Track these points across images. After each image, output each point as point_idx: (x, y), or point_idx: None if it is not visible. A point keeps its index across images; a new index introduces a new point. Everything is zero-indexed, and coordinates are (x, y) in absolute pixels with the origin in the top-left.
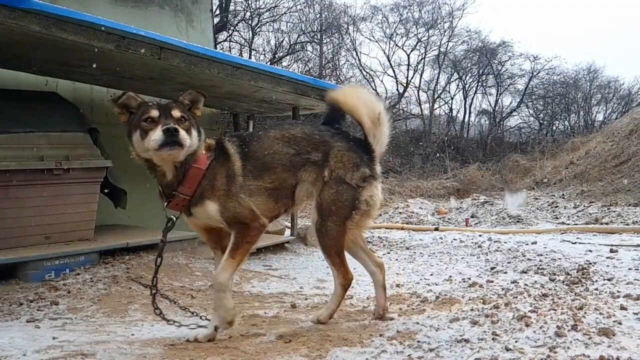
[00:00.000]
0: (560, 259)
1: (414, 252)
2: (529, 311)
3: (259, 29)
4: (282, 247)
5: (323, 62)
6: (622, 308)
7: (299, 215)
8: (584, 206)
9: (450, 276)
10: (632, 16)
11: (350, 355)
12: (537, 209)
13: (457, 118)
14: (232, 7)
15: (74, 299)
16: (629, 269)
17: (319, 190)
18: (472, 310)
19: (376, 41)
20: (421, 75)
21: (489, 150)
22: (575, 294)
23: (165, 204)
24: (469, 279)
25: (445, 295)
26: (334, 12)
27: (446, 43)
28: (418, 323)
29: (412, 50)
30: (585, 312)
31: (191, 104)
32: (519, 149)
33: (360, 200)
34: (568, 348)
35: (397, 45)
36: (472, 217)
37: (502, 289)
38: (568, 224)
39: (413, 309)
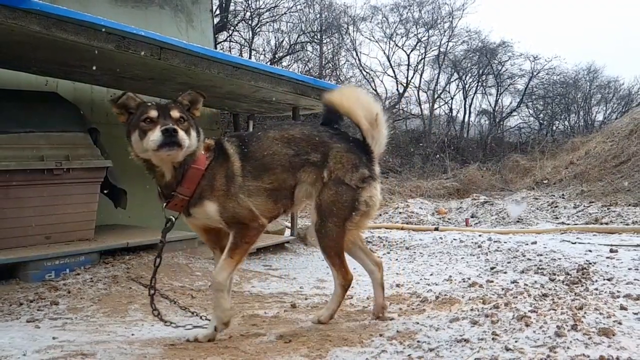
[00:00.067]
0: (560, 259)
1: (414, 252)
2: (528, 311)
3: (259, 29)
4: (282, 247)
5: (323, 62)
6: (622, 308)
7: (299, 215)
8: (584, 206)
9: (450, 276)
10: (632, 16)
11: (350, 355)
12: (537, 209)
13: (457, 118)
14: (232, 7)
15: (74, 299)
16: (629, 269)
17: (318, 191)
18: (472, 310)
19: (376, 41)
20: (421, 75)
21: (489, 150)
22: (575, 294)
23: (164, 204)
24: (469, 279)
25: (445, 295)
26: (334, 12)
27: (446, 43)
28: (418, 323)
29: (412, 50)
30: (585, 312)
31: (190, 104)
32: (519, 149)
33: (359, 201)
34: (568, 348)
35: (397, 45)
36: (472, 217)
37: (502, 289)
38: (568, 224)
39: (413, 309)
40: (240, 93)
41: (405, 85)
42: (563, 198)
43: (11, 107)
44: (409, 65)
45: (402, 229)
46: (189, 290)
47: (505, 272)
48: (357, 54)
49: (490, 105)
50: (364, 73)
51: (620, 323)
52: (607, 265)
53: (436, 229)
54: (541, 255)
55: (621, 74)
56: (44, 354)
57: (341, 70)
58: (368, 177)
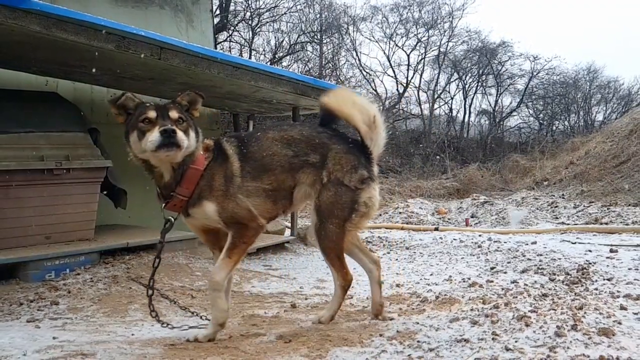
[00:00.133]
0: (560, 258)
1: (414, 252)
2: (528, 311)
3: (259, 29)
4: (282, 247)
5: (323, 62)
6: (622, 308)
7: (299, 215)
8: (584, 206)
9: (450, 276)
10: (632, 16)
11: (350, 355)
12: (537, 209)
13: (457, 118)
14: (232, 7)
15: (74, 299)
16: (629, 268)
17: (317, 192)
18: (472, 310)
19: (376, 41)
20: (421, 76)
21: (488, 150)
22: (575, 294)
23: (163, 205)
24: (469, 278)
25: (445, 295)
26: (334, 12)
27: (446, 43)
28: (418, 323)
29: (412, 51)
30: (585, 312)
31: (189, 104)
32: (518, 149)
33: (359, 202)
34: (568, 348)
35: (397, 45)
36: (472, 217)
37: (502, 289)
38: (568, 224)
39: (413, 308)
40: (240, 93)
41: (405, 85)
42: (563, 198)
43: (11, 107)
44: (409, 65)
45: (402, 229)
46: (189, 290)
47: (505, 272)
48: (357, 54)
49: (490, 105)
50: (364, 73)
51: (620, 323)
52: (607, 265)
53: (436, 229)
54: (541, 255)
55: (621, 74)
56: (44, 353)
57: (341, 70)
58: (367, 178)
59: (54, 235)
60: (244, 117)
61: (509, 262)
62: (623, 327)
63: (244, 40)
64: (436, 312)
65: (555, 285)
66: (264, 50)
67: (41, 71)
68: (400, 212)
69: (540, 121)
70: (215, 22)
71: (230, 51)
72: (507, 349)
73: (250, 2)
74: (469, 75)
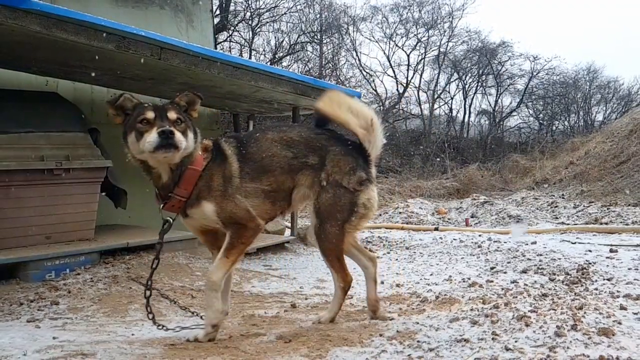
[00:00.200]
0: (560, 258)
1: (414, 252)
2: (528, 311)
3: (259, 29)
4: (282, 247)
5: (323, 62)
6: (622, 308)
7: (299, 215)
8: (584, 206)
9: (450, 276)
10: (632, 16)
11: (350, 355)
12: (537, 208)
13: (457, 118)
14: (232, 7)
15: (74, 299)
16: (629, 268)
17: (316, 194)
18: (472, 310)
19: (376, 41)
20: (421, 76)
21: (488, 151)
22: (575, 293)
23: (161, 205)
24: (469, 278)
25: (445, 295)
26: (334, 12)
27: (446, 43)
28: (418, 323)
29: (412, 51)
30: (584, 312)
31: (187, 105)
32: (518, 149)
33: (357, 204)
34: (568, 348)
35: (397, 45)
36: (472, 217)
37: (502, 289)
38: (568, 224)
39: (413, 308)
40: (240, 93)
41: (405, 85)
42: (563, 198)
43: (11, 107)
44: (409, 65)
45: (402, 229)
46: (189, 290)
47: (505, 272)
48: (357, 54)
49: (490, 105)
50: (364, 73)
51: (620, 323)
52: (607, 265)
53: (436, 229)
54: (541, 255)
55: (621, 74)
56: (44, 353)
57: (341, 71)
58: (365, 180)
59: (54, 235)
60: (244, 117)
61: (508, 262)
62: (623, 327)
63: (244, 40)
64: (436, 312)
65: (555, 285)
66: (264, 50)
67: (41, 71)
68: (400, 212)
69: (540, 121)
70: (215, 22)
71: (230, 51)
72: (507, 349)
73: (250, 2)
74: (469, 75)
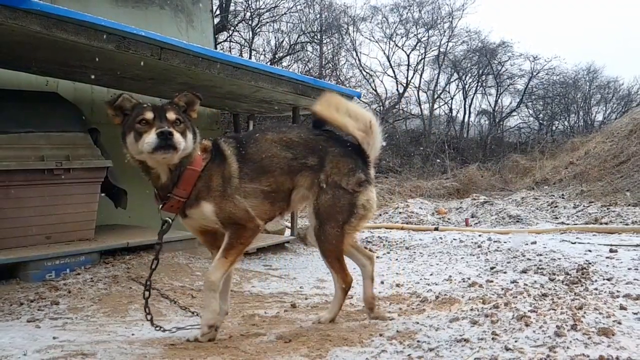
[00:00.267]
0: (559, 258)
1: (414, 252)
2: (528, 311)
3: (259, 29)
4: (282, 247)
5: (323, 63)
6: (622, 308)
7: (299, 215)
8: (584, 206)
9: (450, 276)
10: (632, 16)
11: (350, 355)
12: (537, 209)
13: (456, 118)
14: (232, 8)
15: (74, 299)
16: (629, 268)
17: (315, 195)
18: (471, 310)
19: (376, 41)
20: (421, 76)
21: (488, 151)
22: (575, 293)
23: (160, 206)
24: (469, 278)
25: (445, 295)
26: (334, 12)
27: (446, 43)
28: (418, 323)
29: (412, 51)
30: (584, 312)
31: (187, 105)
32: (518, 149)
33: (357, 205)
34: (568, 348)
35: (397, 45)
36: (471, 217)
37: (502, 289)
38: (568, 224)
39: (413, 308)
40: (240, 93)
41: (405, 85)
42: (563, 198)
43: (11, 107)
44: (408, 65)
45: (402, 229)
46: (189, 290)
47: (505, 272)
48: (357, 54)
49: (490, 105)
50: (364, 73)
51: (619, 323)
52: (607, 265)
53: (436, 229)
54: (541, 255)
55: (621, 74)
56: (44, 353)
57: (341, 71)
58: (364, 181)
59: (54, 235)
60: (244, 117)
61: (508, 262)
62: (623, 327)
63: (244, 40)
64: (436, 312)
65: (555, 285)
66: (264, 50)
67: (41, 71)
68: (400, 212)
69: (540, 121)
70: (215, 22)
71: (230, 51)
72: (507, 349)
73: (250, 2)
74: (469, 75)
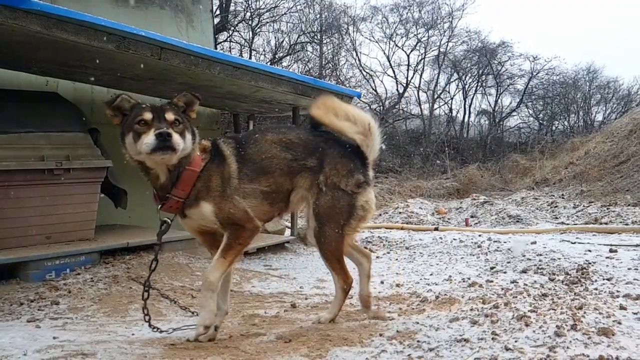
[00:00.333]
0: (559, 258)
1: (414, 252)
2: (528, 311)
3: (259, 30)
4: (282, 247)
5: (323, 63)
6: (622, 308)
7: (299, 215)
8: (584, 206)
9: (450, 276)
10: (632, 16)
11: (350, 355)
12: (537, 208)
13: (456, 118)
14: (232, 8)
15: (74, 299)
16: (629, 268)
17: (314, 196)
18: (471, 310)
19: (376, 41)
20: (421, 76)
21: (488, 151)
22: (575, 293)
23: (159, 206)
24: (469, 278)
25: (445, 295)
26: (334, 12)
27: (446, 43)
28: (418, 323)
29: (412, 51)
30: (584, 312)
31: (186, 105)
32: (518, 149)
33: (356, 206)
34: (567, 348)
35: (397, 45)
36: (471, 217)
37: (502, 289)
38: (567, 224)
39: (413, 308)
40: (240, 93)
41: (405, 85)
42: (563, 198)
43: (11, 107)
44: (408, 65)
45: (402, 229)
46: (189, 290)
47: (505, 272)
48: (357, 54)
49: (490, 105)
50: (364, 73)
51: (619, 323)
52: (607, 265)
53: (436, 229)
54: (541, 255)
55: (621, 74)
56: (44, 353)
57: (341, 71)
58: (363, 182)
59: (55, 235)
60: (244, 117)
61: (508, 262)
62: (622, 327)
63: (244, 40)
64: (436, 312)
65: (555, 285)
66: (264, 50)
67: (41, 71)
68: (400, 212)
69: (540, 121)
70: (215, 22)
71: (230, 51)
72: (507, 349)
73: (250, 2)
74: (469, 75)
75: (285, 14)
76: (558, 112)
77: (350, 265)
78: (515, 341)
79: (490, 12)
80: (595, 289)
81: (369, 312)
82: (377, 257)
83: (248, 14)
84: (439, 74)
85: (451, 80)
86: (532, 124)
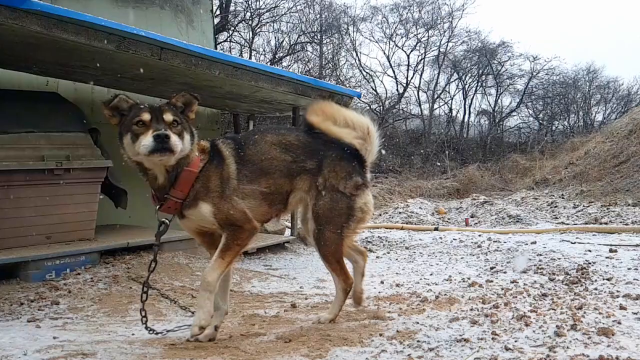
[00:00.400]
0: (559, 258)
1: (414, 252)
2: (528, 311)
3: (259, 30)
4: (282, 247)
5: (323, 63)
6: (622, 308)
7: (298, 215)
8: (584, 206)
9: (450, 276)
10: (632, 16)
11: (350, 354)
12: (537, 208)
13: (456, 118)
14: (232, 8)
15: (74, 299)
16: (628, 268)
17: (313, 198)
18: (471, 309)
19: (376, 41)
20: (421, 76)
21: (488, 151)
22: (575, 293)
23: (158, 207)
24: (469, 278)
25: (445, 294)
26: (334, 12)
27: (446, 43)
28: (418, 322)
29: (412, 51)
30: (584, 312)
31: (184, 106)
32: (518, 149)
33: (355, 208)
34: (567, 348)
35: (397, 45)
36: (471, 217)
37: (502, 289)
38: (567, 224)
39: (413, 308)
40: (240, 93)
41: (405, 85)
42: (562, 198)
43: (12, 107)
44: (408, 65)
45: (402, 228)
46: (189, 290)
47: (504, 272)
48: (357, 54)
49: (490, 105)
50: (364, 73)
51: (619, 323)
52: (607, 265)
53: (436, 229)
54: (541, 255)
55: (620, 74)
56: (44, 353)
57: (341, 71)
58: (361, 184)
59: (55, 235)
60: (244, 118)
61: (508, 262)
62: (622, 326)
63: (244, 40)
64: (436, 312)
65: (555, 285)
66: (264, 50)
67: (42, 71)
68: (400, 212)
69: (540, 121)
70: (215, 22)
71: (230, 51)
72: (507, 349)
73: (250, 2)
74: (469, 75)
75: (285, 14)
76: (558, 112)
77: (350, 266)
78: (515, 341)
79: (490, 12)
80: (595, 289)
81: (359, 307)
82: (377, 257)
83: (248, 14)
84: (438, 74)
85: (451, 80)
86: (532, 124)
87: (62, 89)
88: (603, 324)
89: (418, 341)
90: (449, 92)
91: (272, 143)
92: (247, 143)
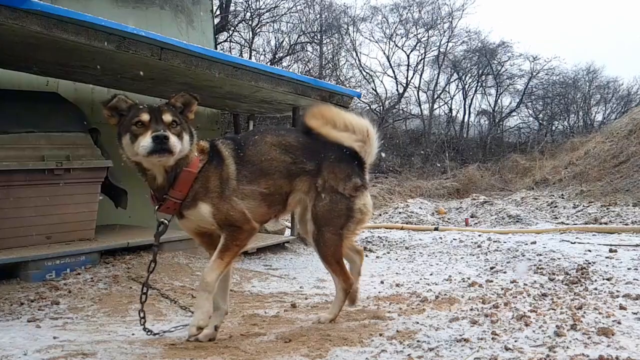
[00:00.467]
0: (559, 258)
1: (414, 252)
2: (528, 311)
3: (259, 30)
4: (282, 247)
5: (323, 63)
6: (621, 308)
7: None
8: (583, 206)
9: (450, 276)
10: (632, 16)
11: (350, 354)
12: (537, 208)
13: (456, 118)
14: (232, 8)
15: (74, 299)
16: (628, 268)
17: (312, 199)
18: (471, 309)
19: (376, 41)
20: (421, 76)
21: (488, 151)
22: (575, 293)
23: (157, 207)
24: (469, 278)
25: (445, 294)
26: (334, 12)
27: (446, 43)
28: (418, 322)
29: (411, 51)
30: (584, 312)
31: (184, 106)
32: (518, 149)
33: (354, 209)
34: (567, 347)
35: (397, 45)
36: (471, 217)
37: (502, 289)
38: (567, 224)
39: (413, 308)
40: (240, 93)
41: (405, 85)
42: (562, 198)
43: (12, 107)
44: (408, 65)
45: (402, 228)
46: (189, 290)
47: (504, 272)
48: (357, 55)
49: (490, 105)
50: (364, 73)
51: (619, 323)
52: (607, 265)
53: (436, 229)
54: (541, 255)
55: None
56: (44, 353)
57: (341, 71)
58: (360, 186)
59: (55, 235)
60: (244, 118)
61: (508, 262)
62: (622, 326)
63: (244, 40)
64: (436, 312)
65: (555, 285)
66: (264, 50)
67: (42, 71)
68: (400, 212)
69: (540, 121)
70: (215, 23)
71: (230, 51)
72: (507, 349)
73: (250, 3)
74: (469, 75)
75: (285, 14)
76: (558, 112)
77: (349, 266)
78: (515, 341)
79: (490, 12)
80: (595, 288)
81: (354, 305)
82: (377, 257)
83: (248, 14)
84: (438, 74)
85: (451, 80)
86: (532, 124)
87: (62, 89)
88: (603, 324)
89: (418, 341)
90: (448, 92)
91: (272, 144)
92: (246, 144)
